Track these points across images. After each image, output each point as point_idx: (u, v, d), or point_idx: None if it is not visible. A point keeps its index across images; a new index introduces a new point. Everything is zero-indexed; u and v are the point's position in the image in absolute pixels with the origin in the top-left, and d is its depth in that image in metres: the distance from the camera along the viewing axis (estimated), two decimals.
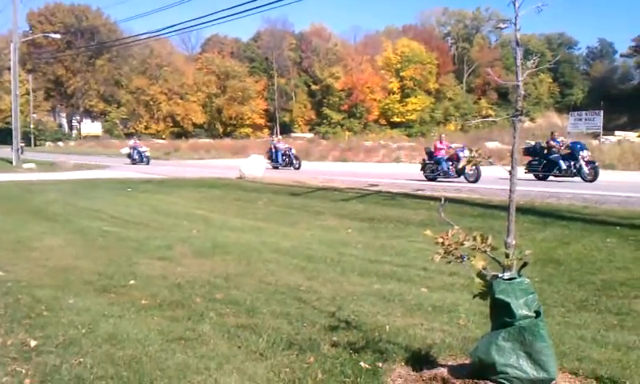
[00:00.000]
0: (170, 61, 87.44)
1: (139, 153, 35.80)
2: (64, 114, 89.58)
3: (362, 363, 3.91)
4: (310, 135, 73.73)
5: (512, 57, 3.64)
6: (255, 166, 23.14)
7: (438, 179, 20.00)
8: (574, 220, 10.51)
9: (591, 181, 18.58)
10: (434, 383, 3.56)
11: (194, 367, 3.95)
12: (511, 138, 3.63)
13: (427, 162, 20.82)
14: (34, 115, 72.18)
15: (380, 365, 3.88)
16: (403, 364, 3.90)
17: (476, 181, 18.23)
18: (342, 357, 4.05)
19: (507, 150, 21.24)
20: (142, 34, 76.98)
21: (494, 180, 17.59)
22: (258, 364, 4.01)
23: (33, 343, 4.40)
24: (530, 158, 20.70)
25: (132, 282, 6.43)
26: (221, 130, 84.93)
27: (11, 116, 35.98)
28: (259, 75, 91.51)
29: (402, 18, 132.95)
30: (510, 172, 3.56)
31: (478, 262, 3.49)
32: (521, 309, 3.32)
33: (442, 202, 4.08)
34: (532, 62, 3.59)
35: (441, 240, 3.55)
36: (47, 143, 73.33)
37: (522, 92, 3.54)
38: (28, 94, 68.91)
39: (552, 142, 20.23)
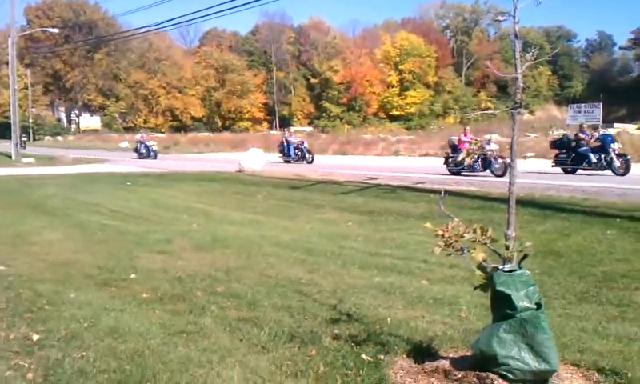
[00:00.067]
0: (168, 55, 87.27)
1: (146, 147, 35.38)
2: (62, 109, 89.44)
3: (363, 356, 3.91)
4: (309, 129, 73.69)
5: (511, 49, 3.64)
6: (254, 160, 23.14)
7: (463, 173, 19.24)
8: (574, 212, 10.52)
9: (622, 174, 18.01)
10: (435, 375, 3.57)
11: (196, 360, 3.96)
12: (510, 131, 3.63)
13: (451, 155, 20.09)
14: (33, 110, 72.15)
15: (382, 357, 3.89)
16: (405, 356, 3.91)
17: (503, 175, 17.52)
18: (344, 349, 4.05)
19: (507, 142, 21.16)
20: (140, 28, 76.56)
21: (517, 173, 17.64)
22: (260, 357, 4.02)
23: (35, 337, 4.40)
24: (558, 151, 20.07)
25: (133, 275, 6.43)
26: (220, 123, 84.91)
27: (10, 110, 35.93)
28: (258, 69, 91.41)
29: (401, 11, 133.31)
30: (510, 164, 3.56)
31: (478, 254, 3.49)
32: (522, 301, 3.32)
33: (442, 194, 4.08)
34: (531, 54, 3.59)
35: (441, 232, 3.55)
36: (46, 138, 73.23)
37: (521, 84, 3.54)
38: (26, 89, 68.88)
39: (581, 135, 19.59)
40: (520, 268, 3.44)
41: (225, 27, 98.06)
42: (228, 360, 3.96)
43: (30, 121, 67.96)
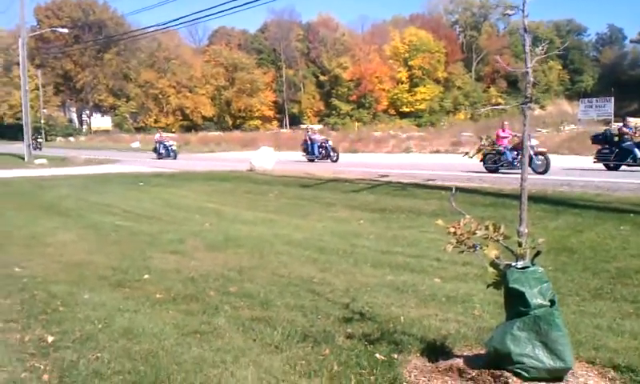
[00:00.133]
0: (177, 53, 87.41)
1: (165, 147, 34.52)
2: (74, 109, 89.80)
3: (377, 355, 3.92)
4: (319, 126, 73.57)
5: (521, 44, 3.63)
6: (265, 159, 23.14)
7: (501, 171, 18.72)
8: (587, 208, 10.46)
9: None
10: (449, 374, 3.56)
11: (210, 361, 3.98)
12: (521, 126, 3.62)
13: (488, 151, 19.05)
14: (45, 110, 72.46)
15: (395, 356, 3.89)
16: (419, 355, 3.91)
17: (545, 172, 17.04)
18: (357, 348, 4.06)
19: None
20: (149, 27, 76.87)
21: (557, 170, 17.30)
22: (273, 356, 4.03)
23: (50, 339, 4.44)
24: (600, 147, 19.23)
25: (146, 276, 6.47)
26: (230, 122, 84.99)
27: (21, 111, 36.11)
28: (267, 67, 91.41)
29: (410, 6, 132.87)
30: (521, 160, 3.55)
31: (490, 252, 3.48)
32: (535, 298, 3.31)
33: (453, 191, 4.07)
34: (541, 48, 3.57)
35: (453, 230, 3.55)
36: (58, 138, 73.57)
37: (532, 79, 3.51)
38: (37, 90, 69.16)
39: (624, 129, 18.78)
40: (533, 265, 3.44)
41: (233, 25, 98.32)
42: (242, 360, 3.97)
43: (42, 122, 68.28)
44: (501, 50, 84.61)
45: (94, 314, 5.05)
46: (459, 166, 18.90)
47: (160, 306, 5.30)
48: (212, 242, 8.57)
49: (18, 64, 38.05)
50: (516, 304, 3.38)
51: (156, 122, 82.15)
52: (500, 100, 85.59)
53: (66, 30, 53.62)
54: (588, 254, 7.11)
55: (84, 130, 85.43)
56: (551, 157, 18.01)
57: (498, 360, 3.41)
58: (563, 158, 24.28)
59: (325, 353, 4.03)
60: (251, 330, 4.59)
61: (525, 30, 3.45)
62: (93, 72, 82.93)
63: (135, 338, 4.45)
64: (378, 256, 7.36)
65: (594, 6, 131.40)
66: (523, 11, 3.43)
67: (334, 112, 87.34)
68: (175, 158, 33.50)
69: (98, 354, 4.12)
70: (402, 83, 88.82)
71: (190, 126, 79.80)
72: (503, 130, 19.63)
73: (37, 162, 30.71)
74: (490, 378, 3.40)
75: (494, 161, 19.07)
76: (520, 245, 3.48)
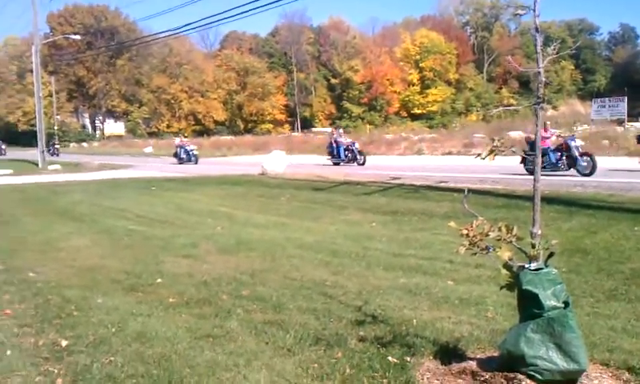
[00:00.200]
0: (189, 58, 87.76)
1: (187, 151, 33.71)
2: (87, 115, 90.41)
3: (389, 358, 3.91)
4: (330, 129, 73.64)
5: (532, 44, 3.61)
6: (277, 162, 23.18)
7: (543, 173, 17.46)
8: (601, 208, 10.39)
9: None
10: (463, 377, 3.55)
11: (223, 364, 3.98)
12: (534, 127, 3.60)
13: (529, 153, 18.08)
14: (58, 117, 72.96)
15: (408, 359, 3.88)
16: (431, 358, 3.90)
17: (591, 173, 16.46)
18: (370, 351, 4.05)
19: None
20: (160, 33, 77.69)
21: (603, 172, 16.82)
22: (286, 360, 4.03)
23: (64, 343, 4.47)
24: None
25: (159, 280, 6.49)
26: (242, 126, 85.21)
27: (35, 118, 36.36)
28: (278, 70, 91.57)
29: (420, 8, 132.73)
30: (534, 160, 3.53)
31: (503, 253, 3.46)
32: (549, 299, 3.29)
33: (466, 193, 4.06)
34: (552, 48, 3.55)
35: (465, 231, 3.53)
36: (71, 144, 74.04)
37: (544, 79, 3.49)
38: (51, 96, 69.66)
39: None
40: (546, 266, 3.41)
41: (245, 30, 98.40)
42: (254, 363, 3.98)
43: (56, 128, 68.78)
44: (512, 51, 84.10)
45: (108, 318, 5.07)
46: (472, 167, 18.77)
47: (173, 310, 5.32)
48: (224, 245, 8.59)
49: (32, 71, 38.30)
50: (529, 306, 3.36)
51: (168, 126, 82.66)
52: (512, 101, 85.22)
53: (78, 37, 53.98)
54: (602, 255, 7.06)
55: (97, 136, 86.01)
56: None
57: (511, 362, 3.39)
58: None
59: (337, 356, 4.02)
60: (264, 333, 4.59)
61: (536, 30, 3.43)
62: (105, 78, 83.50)
63: (148, 341, 4.47)
64: (390, 258, 7.34)
65: (606, 4, 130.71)
66: (535, 11, 3.41)
67: (345, 115, 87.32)
68: (196, 162, 32.78)
69: (112, 358, 4.14)
70: (413, 85, 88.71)
71: (202, 131, 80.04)
72: (545, 130, 18.49)
73: (50, 167, 30.93)
74: (503, 380, 3.38)
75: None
76: (533, 246, 3.46)
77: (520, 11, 3.61)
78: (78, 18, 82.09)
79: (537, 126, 3.56)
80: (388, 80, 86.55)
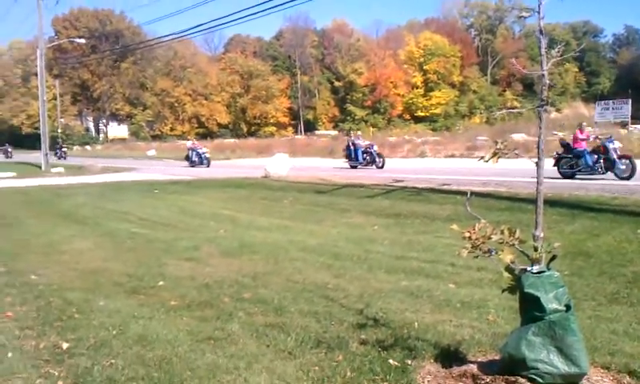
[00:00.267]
0: (193, 62, 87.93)
1: (198, 154, 33.20)
2: (91, 118, 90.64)
3: (390, 361, 3.90)
4: (334, 132, 73.67)
5: (536, 47, 3.60)
6: (280, 165, 23.19)
7: (578, 176, 17.09)
8: (603, 211, 10.36)
9: None
10: (464, 380, 3.54)
11: (224, 367, 3.98)
12: (537, 129, 3.58)
13: (563, 155, 17.89)
14: (62, 120, 73.18)
15: (409, 362, 3.87)
16: (432, 361, 3.89)
17: (630, 177, 15.70)
18: (371, 354, 4.04)
19: (533, 141, 20.81)
20: (165, 36, 77.48)
21: None
22: (286, 363, 4.03)
23: (65, 345, 4.47)
24: None
25: (161, 283, 6.50)
26: (245, 129, 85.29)
27: (39, 121, 36.46)
28: (282, 73, 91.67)
29: (424, 11, 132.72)
30: (537, 163, 3.51)
31: (506, 256, 3.45)
32: (551, 303, 3.28)
33: (469, 195, 4.05)
34: (557, 50, 3.53)
35: (468, 234, 3.52)
36: (75, 147, 74.19)
37: (548, 82, 3.48)
38: (55, 99, 69.88)
39: None
40: (549, 269, 3.40)
41: (249, 33, 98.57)
42: (255, 366, 3.97)
43: (59, 131, 68.96)
44: (516, 53, 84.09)
45: (109, 320, 5.07)
46: (475, 170, 18.79)
47: (174, 313, 5.32)
48: (227, 248, 8.59)
49: (37, 74, 38.45)
50: (531, 309, 3.35)
51: (172, 129, 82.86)
52: (516, 103, 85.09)
53: (83, 41, 54.12)
54: (604, 258, 7.04)
55: (100, 139, 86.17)
56: None
57: (512, 366, 3.38)
58: None
59: (338, 359, 4.01)
60: (265, 336, 4.59)
61: (541, 33, 3.43)
62: (109, 81, 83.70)
63: (149, 344, 4.46)
64: (392, 261, 7.33)
65: (610, 7, 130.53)
66: (539, 13, 3.40)
67: (348, 118, 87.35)
68: (208, 165, 32.20)
69: (112, 361, 4.13)
70: (417, 88, 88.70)
71: (206, 134, 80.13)
72: (581, 132, 17.93)
73: (54, 170, 31.00)
74: (504, 383, 3.37)
75: (570, 165, 17.54)
76: (536, 249, 3.45)
77: (524, 14, 3.61)
78: (82, 22, 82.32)
79: (540, 129, 3.55)
80: (392, 83, 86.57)
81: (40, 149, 34.86)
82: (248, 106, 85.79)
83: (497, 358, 3.69)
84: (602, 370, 3.62)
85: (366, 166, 26.74)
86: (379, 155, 26.71)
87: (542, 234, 3.50)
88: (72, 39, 55.08)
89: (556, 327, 3.27)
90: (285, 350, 4.26)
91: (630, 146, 26.23)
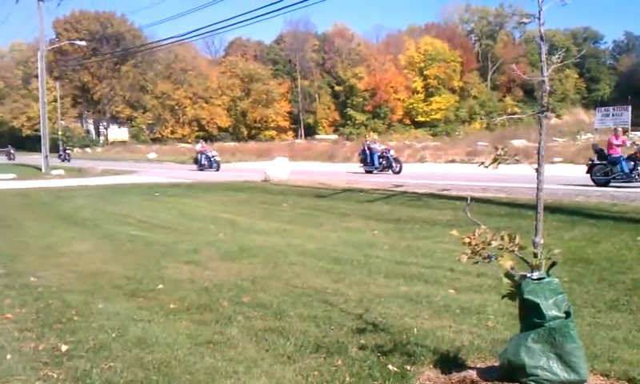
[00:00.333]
0: (194, 65, 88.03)
1: (208, 158, 32.65)
2: (91, 121, 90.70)
3: (390, 366, 3.90)
4: (334, 136, 73.75)
5: (537, 53, 3.59)
6: (280, 169, 23.20)
7: (612, 184, 16.55)
8: (603, 218, 10.36)
9: None
10: None
11: (223, 371, 3.97)
12: (537, 136, 3.59)
13: (597, 162, 17.31)
14: (62, 122, 73.16)
15: (408, 368, 3.86)
16: (432, 367, 3.89)
17: None
18: (370, 360, 4.04)
19: (534, 147, 20.79)
20: (166, 39, 77.59)
21: None
22: (286, 367, 4.02)
23: (64, 348, 4.46)
24: None
25: (160, 286, 6.49)
26: (245, 133, 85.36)
27: (39, 123, 36.45)
28: (283, 77, 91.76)
29: (425, 16, 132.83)
30: (538, 170, 3.51)
31: (505, 262, 3.45)
32: (550, 309, 3.28)
33: (469, 201, 4.05)
34: (557, 57, 3.53)
35: (468, 240, 3.52)
36: (75, 149, 74.17)
37: (548, 88, 3.48)
38: (55, 101, 69.89)
39: None
40: (548, 276, 3.40)
41: (249, 37, 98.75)
42: (254, 370, 3.97)
43: (60, 133, 68.94)
44: (517, 59, 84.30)
45: (108, 323, 5.07)
46: (476, 175, 18.77)
47: (174, 316, 5.32)
48: (226, 252, 8.58)
49: (37, 76, 38.46)
50: (531, 315, 3.35)
51: (172, 132, 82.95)
52: (516, 109, 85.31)
53: (84, 43, 54.08)
54: (604, 265, 7.04)
55: (101, 142, 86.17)
56: (568, 167, 17.70)
57: (511, 372, 3.38)
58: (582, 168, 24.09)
59: (337, 364, 4.01)
60: (264, 340, 4.58)
61: (541, 39, 3.43)
62: (110, 84, 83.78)
63: (148, 347, 4.46)
64: (391, 266, 7.33)
65: (610, 13, 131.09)
66: (539, 19, 3.40)
67: (349, 122, 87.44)
68: (218, 169, 31.47)
69: (111, 364, 4.13)
70: (417, 93, 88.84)
71: (206, 137, 79.84)
72: (616, 137, 17.48)
73: (54, 172, 30.99)
74: None
75: (604, 172, 16.96)
76: (535, 255, 3.44)
77: (525, 20, 3.60)
78: (84, 24, 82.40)
79: (541, 135, 3.55)
80: (392, 87, 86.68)
81: (40, 150, 34.84)
82: (248, 109, 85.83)
83: (496, 364, 3.68)
84: (601, 378, 3.62)
85: (381, 171, 25.95)
86: (396, 160, 25.84)
87: (541, 241, 3.50)
88: (73, 41, 55.05)
89: (555, 334, 3.27)
90: (284, 355, 4.25)
91: (630, 152, 26.18)
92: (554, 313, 3.27)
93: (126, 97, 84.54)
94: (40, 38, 35.34)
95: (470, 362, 3.92)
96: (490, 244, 3.48)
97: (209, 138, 77.63)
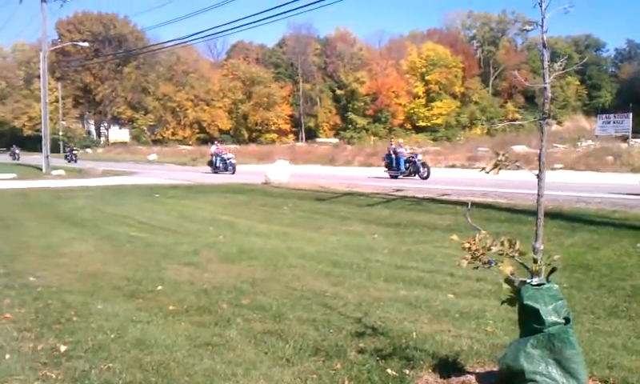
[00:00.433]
0: (196, 67, 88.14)
1: (223, 160, 31.86)
2: (92, 121, 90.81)
3: (388, 370, 3.89)
4: (335, 140, 73.76)
5: (539, 59, 3.60)
6: (281, 172, 23.21)
7: None
8: (604, 224, 10.36)
9: None
10: None
11: (222, 373, 3.97)
12: (539, 142, 3.58)
13: None
14: (63, 122, 73.27)
15: (407, 372, 3.86)
16: (430, 371, 3.88)
17: None
18: (369, 363, 4.03)
19: (534, 153, 20.72)
20: (168, 41, 77.97)
21: None
22: (284, 370, 4.02)
23: (63, 348, 4.46)
24: None
25: (159, 287, 6.48)
26: (246, 135, 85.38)
27: (41, 123, 36.47)
28: (284, 81, 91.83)
29: (427, 21, 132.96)
30: (538, 176, 3.51)
31: (505, 268, 3.45)
32: (550, 315, 3.27)
33: (469, 206, 4.05)
34: (559, 64, 3.53)
35: (468, 245, 3.51)
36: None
37: (550, 95, 3.48)
38: (57, 102, 70.08)
39: None
40: (548, 282, 3.40)
41: (252, 40, 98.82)
42: (253, 373, 3.97)
43: (61, 133, 69.03)
44: (518, 65, 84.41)
45: (107, 324, 5.07)
46: (477, 181, 18.78)
47: (173, 318, 5.31)
48: (226, 254, 8.58)
49: (39, 77, 38.46)
50: (530, 321, 3.34)
51: (173, 134, 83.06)
52: (517, 115, 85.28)
53: (86, 44, 54.16)
54: (604, 272, 7.03)
55: (102, 142, 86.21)
56: (569, 173, 17.71)
57: (510, 377, 3.37)
58: (583, 175, 24.14)
59: (336, 367, 4.01)
60: (263, 342, 4.58)
61: (544, 46, 3.43)
62: (112, 85, 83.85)
63: (147, 348, 4.45)
64: (391, 270, 7.32)
65: (612, 21, 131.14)
66: (542, 27, 3.40)
67: (350, 126, 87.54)
68: (234, 172, 30.54)
69: (110, 365, 4.12)
70: (418, 98, 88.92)
71: (207, 139, 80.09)
72: None
73: (54, 173, 30.98)
74: None
75: None
76: (535, 261, 3.44)
77: (527, 27, 3.61)
78: (86, 26, 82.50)
79: (542, 141, 3.55)
80: (393, 92, 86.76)
81: (41, 151, 34.84)
82: (249, 112, 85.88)
83: (495, 369, 3.68)
84: None
85: (407, 176, 24.91)
86: (424, 165, 24.73)
87: (542, 247, 3.49)
88: (75, 42, 55.24)
89: (555, 340, 3.26)
90: (283, 357, 4.25)
91: (630, 159, 26.26)
92: (554, 319, 3.27)
93: (128, 98, 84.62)
94: (42, 39, 35.36)
95: (469, 367, 3.92)
96: (490, 249, 3.47)
97: (210, 140, 77.75)
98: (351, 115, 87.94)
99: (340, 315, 5.32)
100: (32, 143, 65.26)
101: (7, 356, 4.32)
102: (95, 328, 4.96)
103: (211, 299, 5.93)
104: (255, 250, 8.87)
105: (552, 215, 10.75)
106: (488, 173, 3.68)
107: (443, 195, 15.69)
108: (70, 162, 45.50)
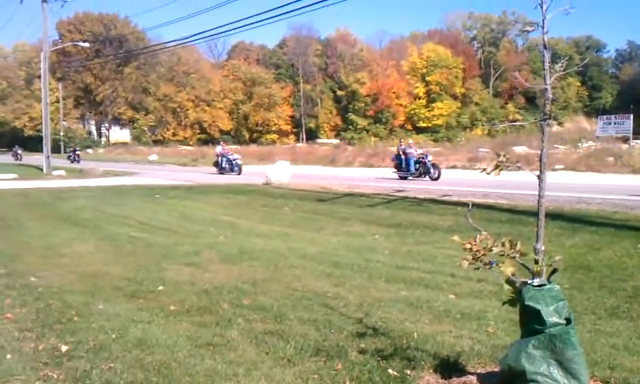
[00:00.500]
0: (196, 68, 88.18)
1: (229, 161, 31.36)
2: (93, 122, 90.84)
3: (390, 370, 3.89)
4: (335, 141, 73.78)
5: (539, 60, 3.62)
6: (281, 172, 23.21)
7: None
8: (604, 225, 10.36)
9: None
10: None
11: (223, 373, 3.97)
12: (539, 143, 3.58)
13: None
14: (64, 123, 73.26)
15: (408, 372, 3.86)
16: (432, 371, 3.88)
17: None
18: (370, 364, 4.03)
19: (535, 154, 20.75)
20: (169, 42, 77.85)
21: None
22: (285, 370, 4.02)
23: (64, 348, 4.46)
24: None
25: (160, 287, 6.48)
26: (247, 136, 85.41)
27: (42, 123, 36.48)
28: (285, 82, 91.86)
29: (428, 22, 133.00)
30: (539, 177, 3.51)
31: (506, 269, 3.44)
32: (551, 316, 3.27)
33: (470, 207, 4.05)
34: (560, 65, 3.53)
35: (469, 246, 3.51)
36: None
37: (550, 96, 3.48)
38: (58, 102, 70.04)
39: None
40: (549, 282, 3.40)
41: (252, 40, 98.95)
42: (254, 373, 3.97)
43: (62, 134, 69.04)
44: (519, 66, 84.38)
45: (108, 324, 5.07)
46: (478, 181, 18.77)
47: (174, 318, 5.31)
48: (227, 254, 8.58)
49: (40, 77, 38.48)
50: (531, 322, 3.34)
51: (174, 135, 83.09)
52: (518, 116, 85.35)
53: (87, 44, 54.23)
54: (605, 272, 7.03)
55: (102, 143, 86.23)
56: (570, 174, 17.69)
57: (511, 378, 3.37)
58: (583, 176, 24.13)
59: (337, 368, 4.01)
60: (264, 343, 4.58)
61: (544, 47, 3.43)
62: (112, 85, 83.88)
63: (148, 349, 4.46)
64: (392, 271, 7.32)
65: (613, 22, 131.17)
66: (543, 28, 3.40)
67: (350, 127, 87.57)
68: (240, 173, 30.17)
69: (111, 365, 4.13)
70: (419, 99, 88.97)
71: (208, 140, 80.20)
72: None
73: (55, 173, 31.01)
74: None
75: None
76: (536, 262, 3.44)
77: (528, 28, 3.61)
78: (87, 26, 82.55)
79: (543, 142, 3.55)
80: (394, 93, 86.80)
81: (42, 151, 34.85)
82: (250, 113, 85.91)
83: (496, 370, 3.68)
84: None
85: (417, 177, 24.49)
86: (434, 166, 24.33)
87: (543, 247, 3.49)
88: (76, 43, 55.19)
89: (556, 340, 3.26)
90: (284, 358, 4.25)
91: (631, 160, 26.24)
92: (555, 319, 3.27)
93: (129, 98, 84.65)
94: (43, 39, 35.38)
95: (470, 368, 3.92)
96: (491, 250, 3.47)
97: (210, 140, 77.83)
98: (352, 116, 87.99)
99: (341, 316, 5.32)
100: (33, 143, 65.28)
101: (8, 356, 4.33)
102: (96, 328, 4.96)
103: (212, 299, 5.93)
104: (256, 250, 8.87)
105: (553, 216, 10.75)
106: (489, 174, 3.68)
107: (444, 196, 15.69)
108: (72, 162, 45.48)
